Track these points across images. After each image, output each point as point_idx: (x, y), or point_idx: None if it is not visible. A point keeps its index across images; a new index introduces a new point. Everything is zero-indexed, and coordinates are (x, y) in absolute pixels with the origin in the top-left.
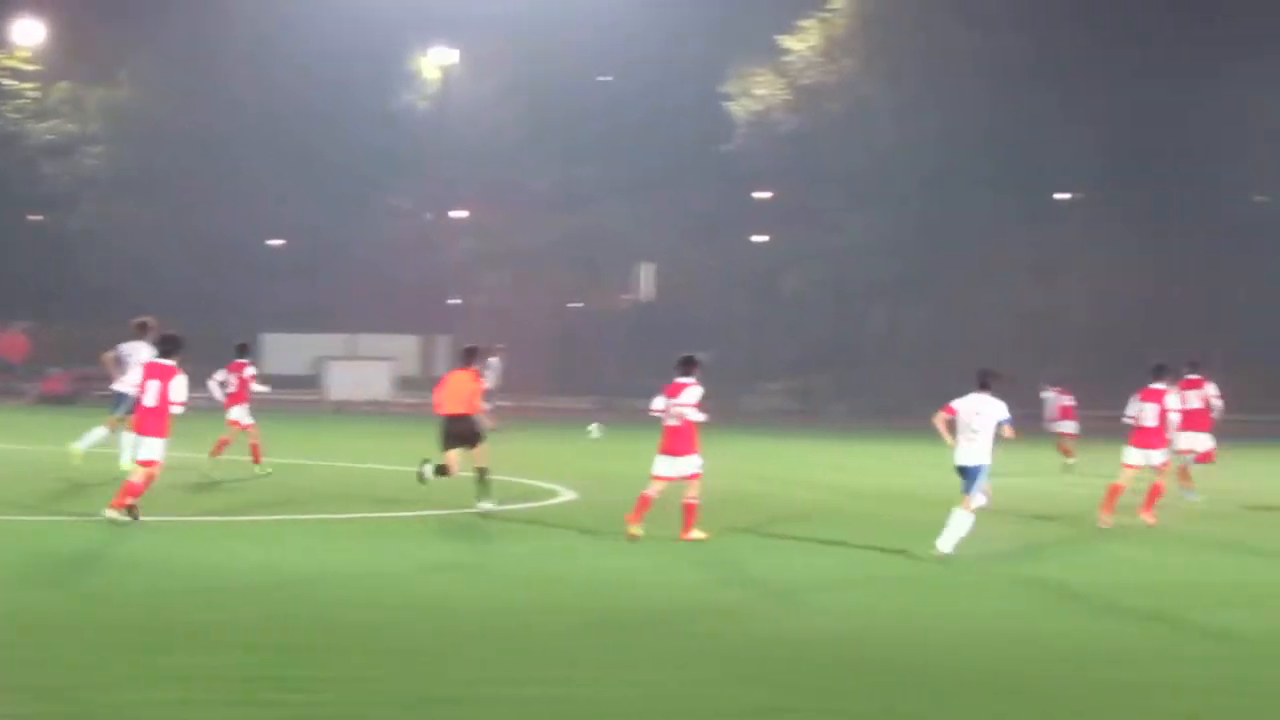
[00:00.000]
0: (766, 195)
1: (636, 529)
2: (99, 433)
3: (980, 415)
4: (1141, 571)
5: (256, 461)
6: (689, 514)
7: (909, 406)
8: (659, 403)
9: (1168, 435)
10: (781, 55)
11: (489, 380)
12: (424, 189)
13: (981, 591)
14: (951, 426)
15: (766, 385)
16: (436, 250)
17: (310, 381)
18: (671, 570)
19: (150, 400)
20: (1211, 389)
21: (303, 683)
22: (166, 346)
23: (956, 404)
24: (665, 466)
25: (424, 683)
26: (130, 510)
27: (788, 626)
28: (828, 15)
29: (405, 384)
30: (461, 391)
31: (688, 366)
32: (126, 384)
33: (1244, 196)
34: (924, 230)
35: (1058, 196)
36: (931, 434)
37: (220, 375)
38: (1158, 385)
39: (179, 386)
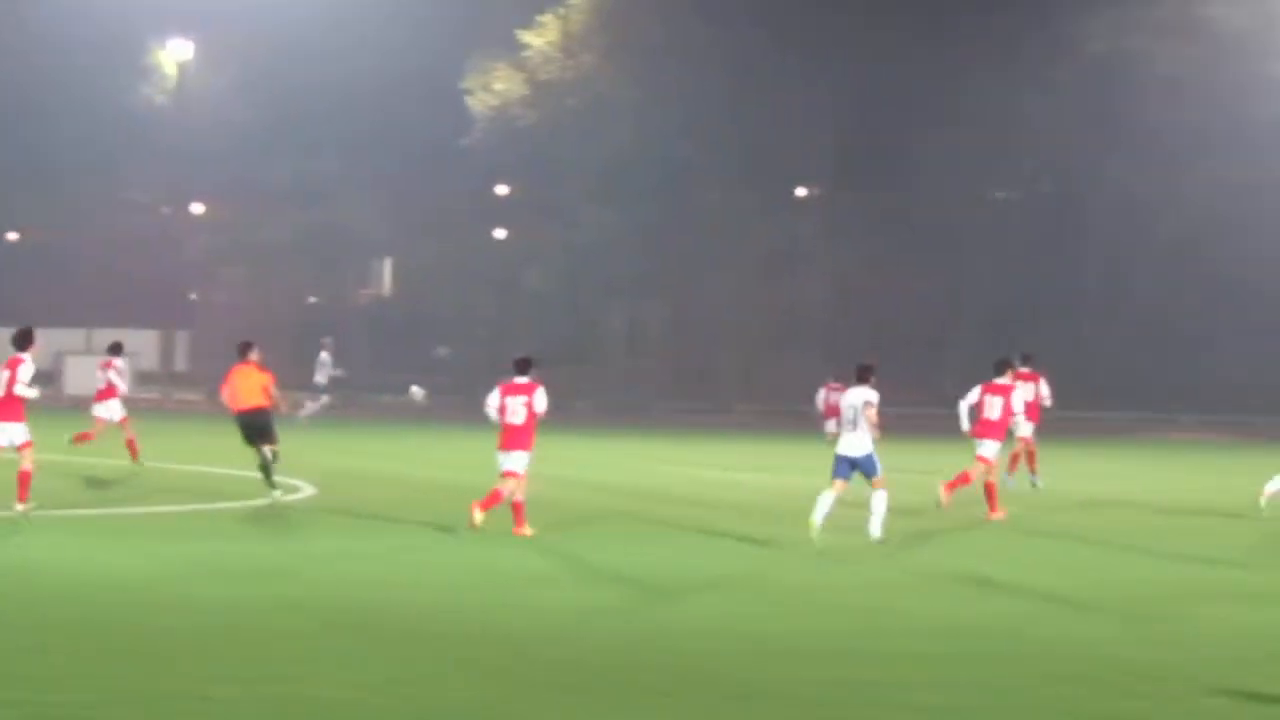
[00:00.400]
0: (506, 190)
1: (478, 518)
2: None
3: (854, 406)
4: (865, 569)
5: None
6: (517, 510)
7: (650, 404)
8: (494, 399)
9: (1008, 428)
10: (520, 50)
11: (321, 374)
12: (162, 183)
13: (718, 591)
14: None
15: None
16: (175, 245)
17: (48, 378)
18: (417, 568)
19: None
20: (1043, 384)
21: (36, 682)
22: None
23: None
24: (507, 461)
25: (161, 681)
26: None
27: (519, 625)
28: (566, 10)
29: (144, 379)
30: (251, 385)
31: (525, 367)
32: None
33: (985, 192)
34: (664, 226)
35: (798, 192)
36: (675, 430)
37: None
38: (1001, 380)
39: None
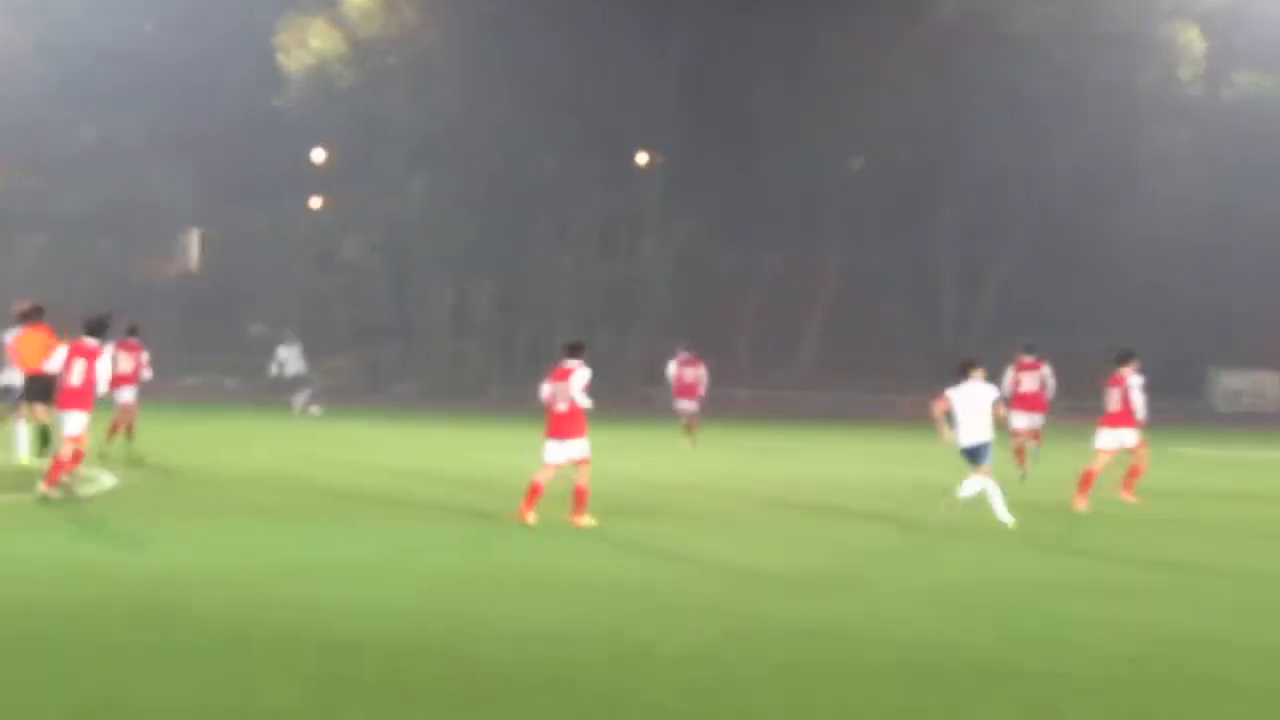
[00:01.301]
0: (323, 156)
1: (532, 517)
2: None
3: (974, 400)
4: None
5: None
6: (579, 498)
7: (479, 386)
8: (545, 389)
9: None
10: (338, 4)
11: (293, 365)
12: None
13: (546, 589)
14: (949, 414)
15: (329, 360)
16: None
17: None
18: (222, 565)
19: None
20: (1047, 371)
21: None
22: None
23: (951, 393)
24: (554, 451)
25: None
26: (61, 487)
27: (340, 625)
28: None
29: None
30: (39, 347)
31: (575, 351)
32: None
33: (839, 160)
34: (495, 195)
35: (639, 159)
36: (509, 417)
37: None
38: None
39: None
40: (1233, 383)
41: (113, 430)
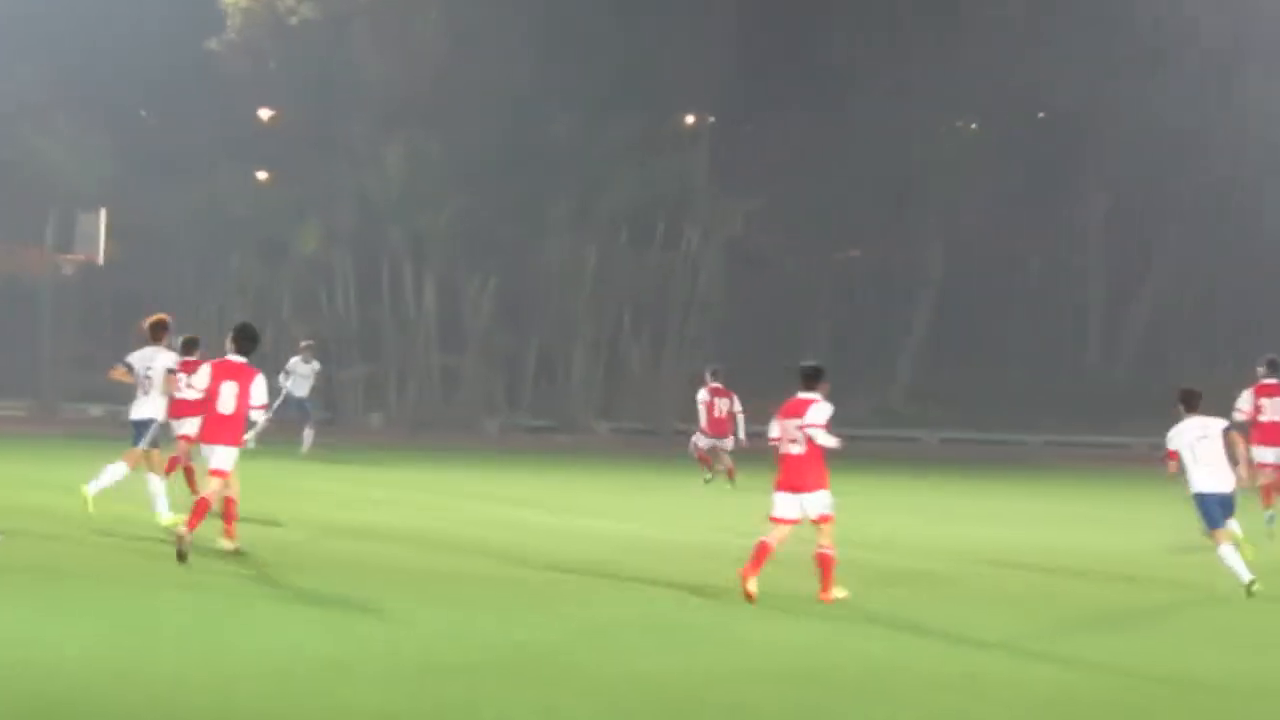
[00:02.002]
0: (270, 115)
1: (752, 586)
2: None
3: (1205, 438)
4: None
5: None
6: (825, 567)
7: (475, 419)
8: (774, 428)
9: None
10: None
11: (303, 387)
12: None
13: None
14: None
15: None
16: None
17: None
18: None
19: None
20: None
21: None
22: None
23: (1173, 441)
24: (787, 506)
25: None
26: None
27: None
28: None
29: None
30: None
31: (812, 379)
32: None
33: (945, 126)
34: (494, 169)
35: (683, 124)
36: (517, 458)
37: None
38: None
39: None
40: None
41: (171, 469)
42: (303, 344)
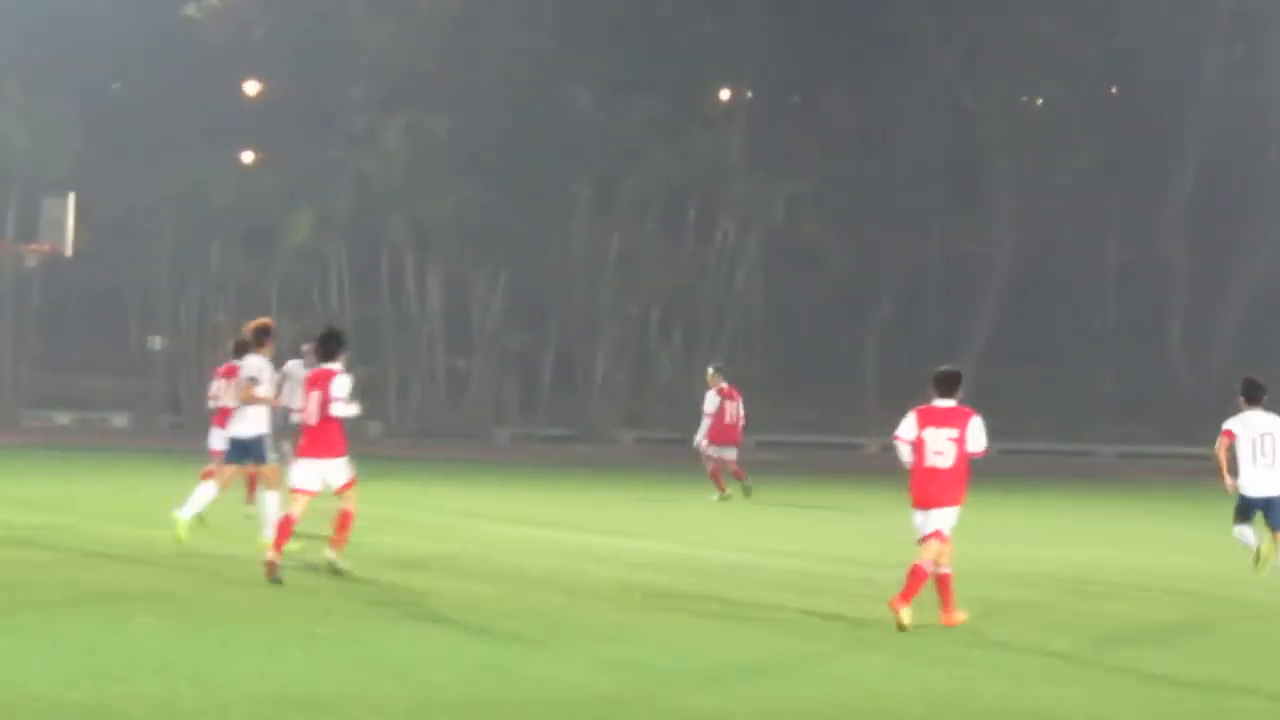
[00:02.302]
0: (258, 89)
1: (907, 616)
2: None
3: (1270, 434)
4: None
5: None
6: (944, 587)
7: (484, 429)
8: (908, 430)
9: None
10: None
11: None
12: None
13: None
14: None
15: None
16: None
17: None
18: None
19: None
20: None
21: None
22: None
23: (1235, 425)
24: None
25: None
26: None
27: None
28: None
29: None
30: None
31: (953, 385)
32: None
33: (1013, 103)
34: (507, 149)
35: (719, 99)
36: (536, 472)
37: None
38: None
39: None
40: None
41: (253, 485)
42: (304, 347)
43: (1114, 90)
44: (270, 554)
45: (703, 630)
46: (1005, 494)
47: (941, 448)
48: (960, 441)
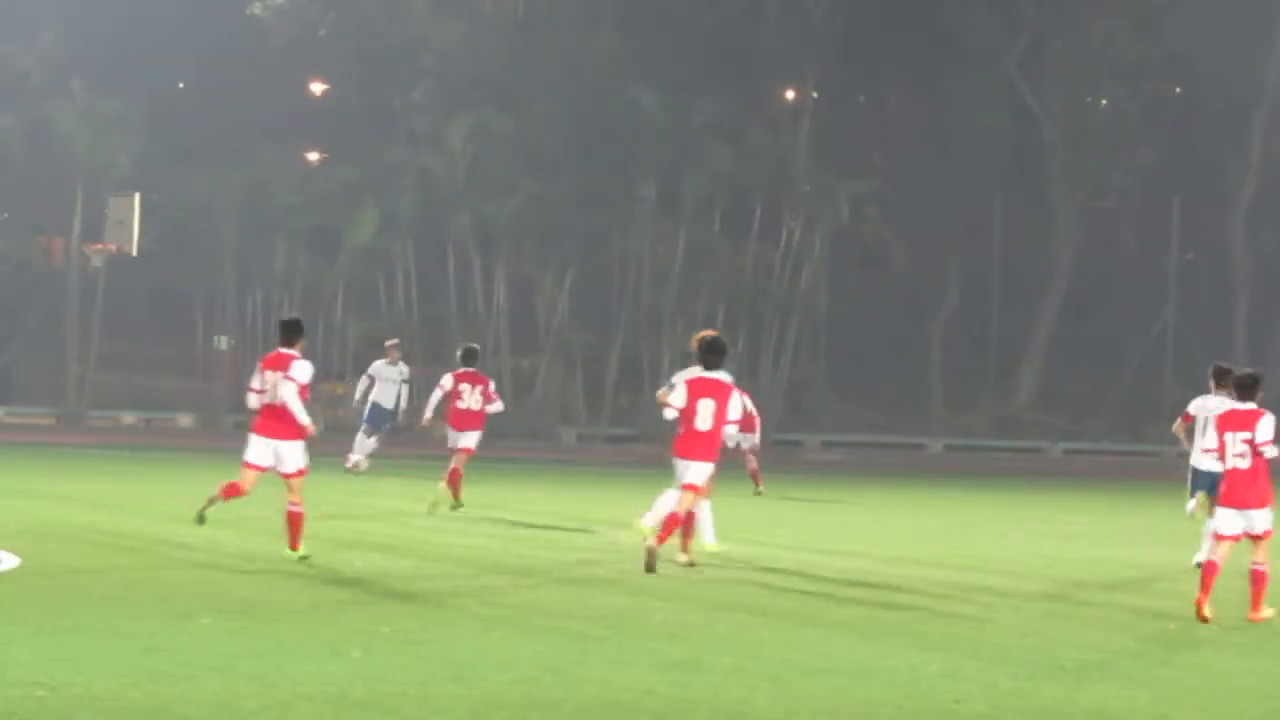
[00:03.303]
0: (323, 89)
1: (1268, 612)
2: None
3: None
4: None
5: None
6: (1259, 584)
7: (552, 424)
8: (1209, 439)
9: None
10: None
11: (388, 394)
12: None
13: None
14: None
15: (327, 385)
16: None
17: None
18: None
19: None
20: None
21: None
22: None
23: (1192, 408)
24: (1231, 522)
25: None
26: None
27: None
28: None
29: None
30: None
31: (1252, 388)
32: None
33: (1075, 101)
34: (571, 149)
35: (785, 99)
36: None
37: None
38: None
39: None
40: None
41: (454, 483)
42: (388, 344)
43: (1177, 90)
44: (651, 541)
45: (764, 630)
46: (1068, 493)
47: (1241, 449)
48: (1253, 443)
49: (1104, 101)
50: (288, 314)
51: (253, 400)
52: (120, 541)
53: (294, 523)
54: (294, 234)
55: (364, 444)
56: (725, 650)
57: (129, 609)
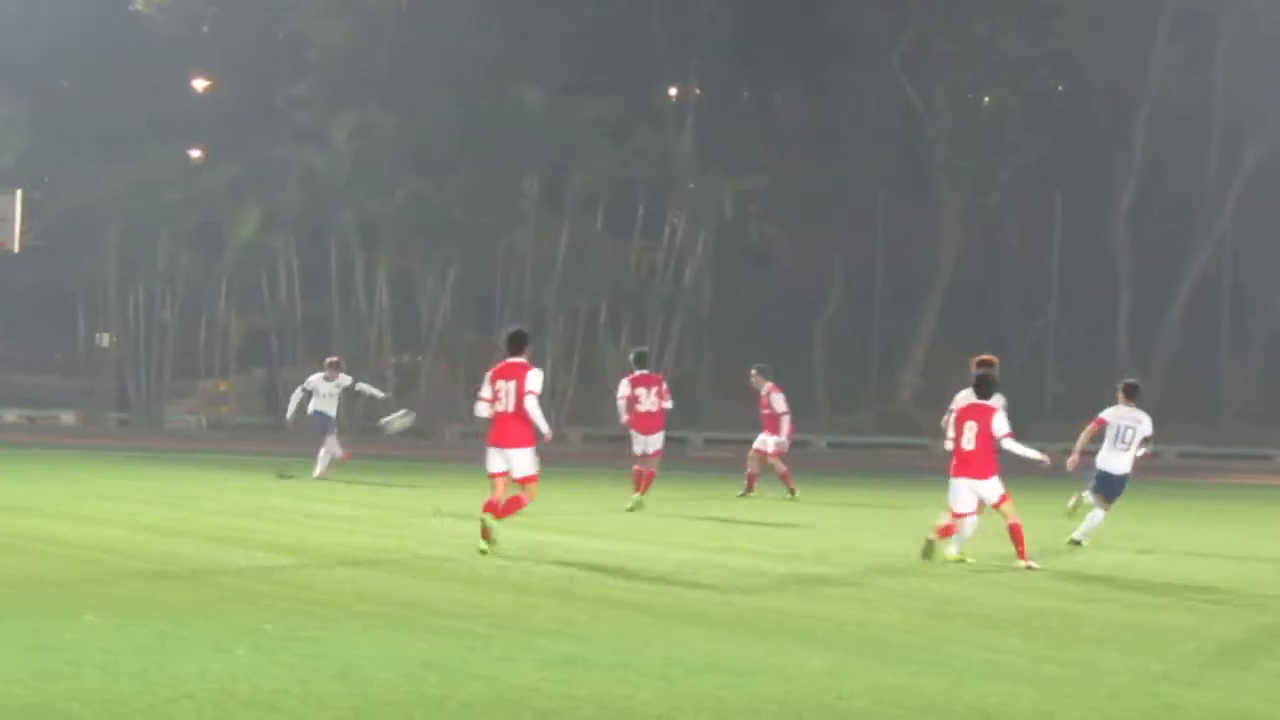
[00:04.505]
0: (205, 86)
1: None
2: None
3: (1134, 426)
4: None
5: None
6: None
7: (436, 421)
8: None
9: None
10: None
11: (329, 407)
12: None
13: None
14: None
15: (208, 382)
16: None
17: None
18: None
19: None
20: None
21: None
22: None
23: (1108, 415)
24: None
25: None
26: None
27: None
28: None
29: None
30: None
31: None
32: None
33: (960, 99)
34: (453, 146)
35: (667, 95)
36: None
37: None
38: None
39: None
40: None
41: (645, 482)
42: (328, 360)
43: (1060, 89)
44: (933, 534)
45: (649, 627)
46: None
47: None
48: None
49: (986, 99)
50: (513, 326)
51: (483, 410)
52: (3, 540)
53: (511, 507)
54: (177, 231)
55: (331, 450)
56: (612, 647)
57: (12, 608)
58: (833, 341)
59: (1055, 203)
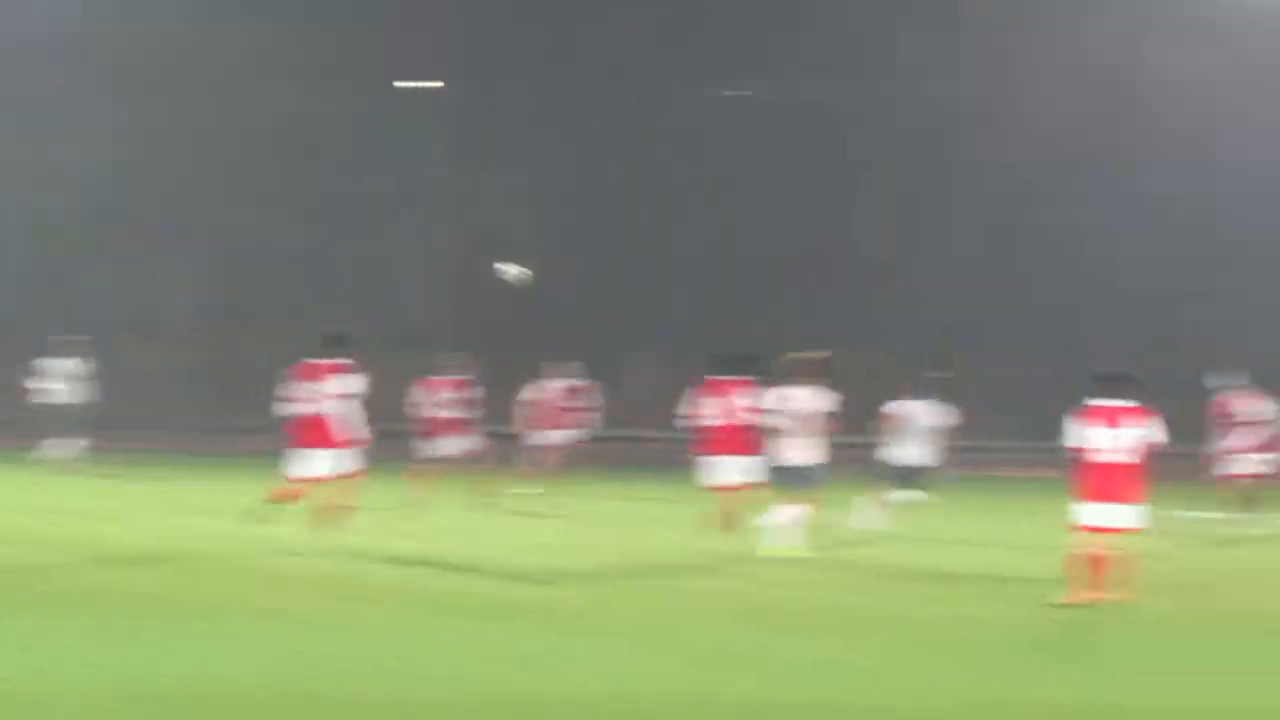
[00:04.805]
0: None
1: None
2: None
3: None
4: None
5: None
6: None
7: (183, 413)
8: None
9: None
10: None
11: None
12: None
13: None
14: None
15: None
16: None
17: None
18: None
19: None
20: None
21: None
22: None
23: (896, 409)
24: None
25: None
26: None
27: None
28: None
29: None
30: None
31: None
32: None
33: (700, 87)
34: (202, 141)
35: (400, 85)
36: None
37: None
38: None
39: None
40: None
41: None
42: (51, 339)
43: (807, 85)
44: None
45: (379, 619)
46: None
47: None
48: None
49: (725, 93)
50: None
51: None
52: None
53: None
54: None
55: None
56: (335, 639)
57: None
58: (574, 346)
59: (803, 203)
